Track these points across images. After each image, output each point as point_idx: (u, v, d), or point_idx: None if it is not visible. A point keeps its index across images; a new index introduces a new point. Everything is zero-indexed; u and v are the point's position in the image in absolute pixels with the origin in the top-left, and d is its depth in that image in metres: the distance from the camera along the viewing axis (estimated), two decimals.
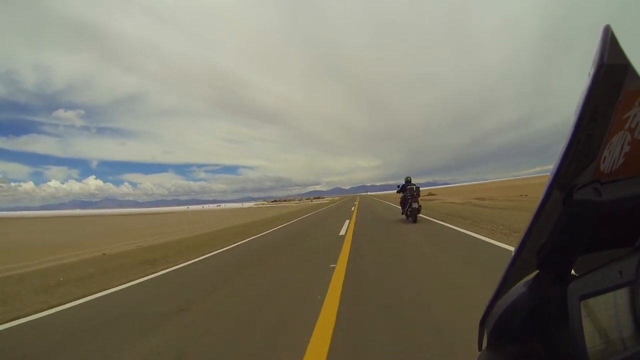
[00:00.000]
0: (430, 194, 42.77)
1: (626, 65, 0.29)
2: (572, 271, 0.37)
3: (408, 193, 8.93)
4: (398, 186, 9.94)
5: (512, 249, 0.36)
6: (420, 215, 9.17)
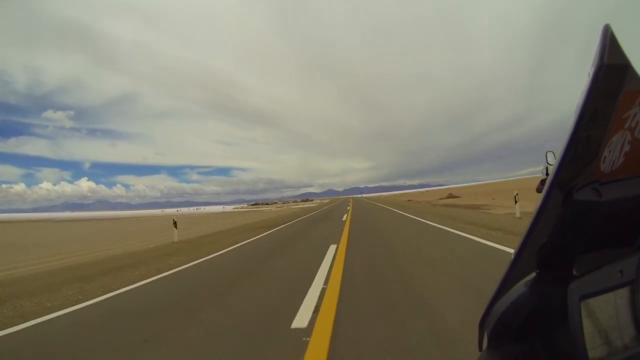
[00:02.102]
0: (451, 196, 35.35)
1: (626, 65, 0.31)
2: (573, 271, 0.39)
3: None
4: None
5: None
6: None
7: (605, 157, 0.36)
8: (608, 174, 0.37)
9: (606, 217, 0.36)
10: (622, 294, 0.39)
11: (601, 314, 0.38)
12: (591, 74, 0.30)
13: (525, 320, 0.39)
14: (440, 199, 33.66)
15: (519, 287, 0.40)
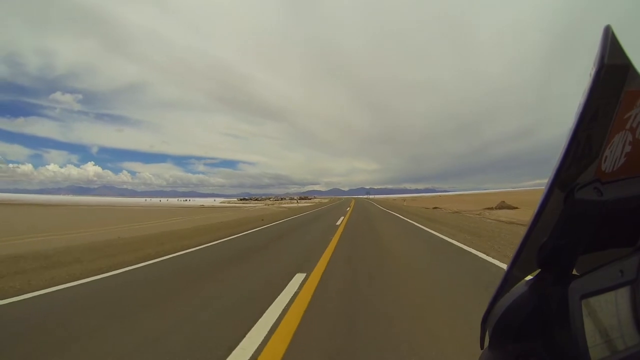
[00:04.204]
0: (504, 206, 22.45)
1: (627, 66, 0.34)
2: (573, 270, 0.42)
3: None
4: None
5: None
6: None
7: (606, 156, 0.38)
8: (609, 173, 0.40)
9: (607, 216, 0.39)
10: (623, 293, 0.42)
11: (602, 313, 0.41)
12: (592, 74, 0.33)
13: (526, 319, 0.41)
14: (487, 209, 22.50)
15: (520, 286, 0.43)
